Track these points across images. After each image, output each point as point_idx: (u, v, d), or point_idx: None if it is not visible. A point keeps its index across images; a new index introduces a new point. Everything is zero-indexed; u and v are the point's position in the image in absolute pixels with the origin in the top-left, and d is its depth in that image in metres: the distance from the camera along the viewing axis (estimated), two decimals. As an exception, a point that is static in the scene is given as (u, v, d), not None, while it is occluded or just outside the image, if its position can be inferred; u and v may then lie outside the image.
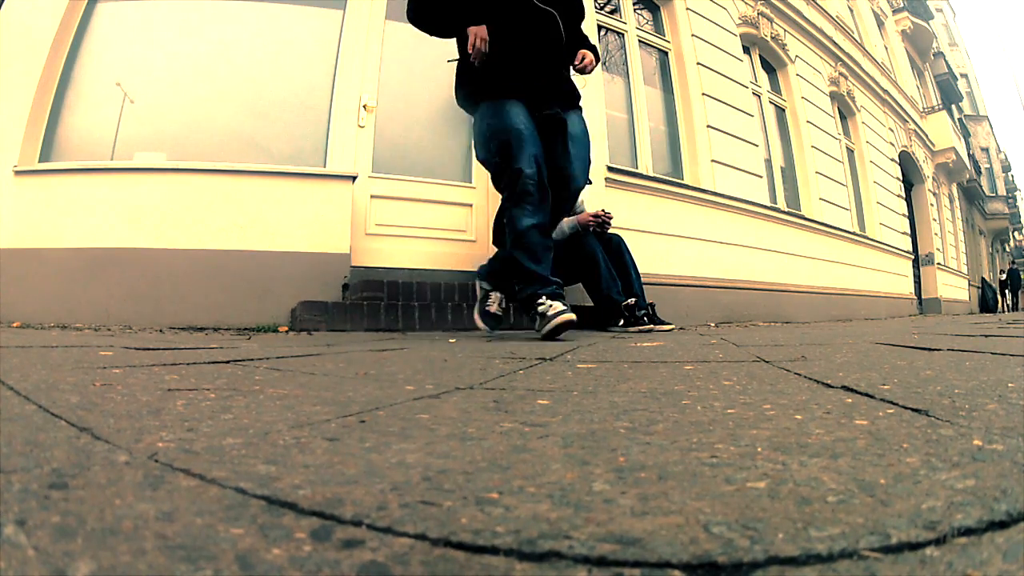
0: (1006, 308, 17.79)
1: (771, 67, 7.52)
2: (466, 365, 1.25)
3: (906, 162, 11.30)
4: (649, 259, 4.56)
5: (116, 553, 0.28)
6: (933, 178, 12.89)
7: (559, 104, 2.68)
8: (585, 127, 2.75)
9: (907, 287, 10.20)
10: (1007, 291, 18.71)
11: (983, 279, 16.92)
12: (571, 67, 2.74)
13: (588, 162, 2.73)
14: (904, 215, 10.47)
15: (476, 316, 3.04)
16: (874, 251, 8.82)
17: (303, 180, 3.71)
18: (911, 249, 10.66)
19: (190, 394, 0.78)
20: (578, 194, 2.78)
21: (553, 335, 2.25)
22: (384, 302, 3.50)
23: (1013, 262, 22.10)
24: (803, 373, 1.04)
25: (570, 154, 2.63)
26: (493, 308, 2.99)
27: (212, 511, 0.35)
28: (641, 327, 3.34)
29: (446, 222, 4.18)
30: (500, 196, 2.74)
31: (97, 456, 0.46)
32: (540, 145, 2.53)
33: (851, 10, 10.22)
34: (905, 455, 0.47)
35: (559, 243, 3.52)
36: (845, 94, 8.80)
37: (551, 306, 2.28)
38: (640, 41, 5.65)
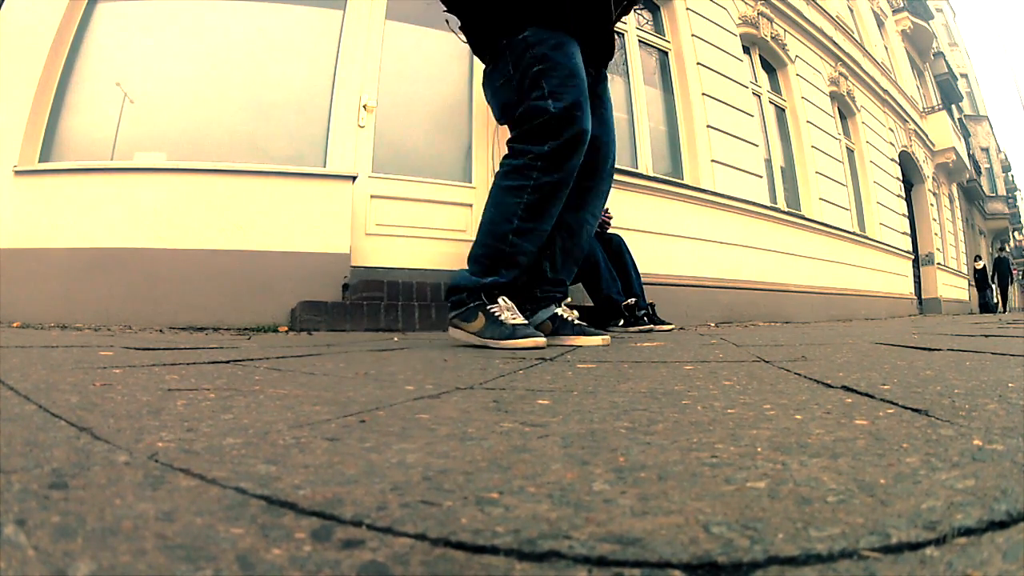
0: (981, 304, 14.58)
1: (771, 67, 7.52)
2: (466, 365, 1.25)
3: (906, 162, 11.31)
4: (649, 259, 4.56)
5: (116, 553, 0.28)
6: (933, 178, 12.89)
7: (604, 58, 2.13)
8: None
9: (907, 287, 10.20)
10: (993, 283, 15.44)
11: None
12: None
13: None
14: (904, 215, 10.47)
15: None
16: (874, 251, 8.82)
17: (303, 180, 3.71)
18: (911, 249, 10.66)
19: (190, 394, 0.78)
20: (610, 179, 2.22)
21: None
22: (384, 302, 3.50)
23: (1002, 249, 17.90)
24: (803, 373, 1.04)
25: (607, 124, 2.12)
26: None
27: (212, 511, 0.35)
28: (641, 327, 3.35)
29: (446, 222, 4.18)
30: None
31: (97, 456, 0.46)
32: None
33: (851, 10, 10.23)
34: (905, 455, 0.47)
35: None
36: (845, 94, 8.81)
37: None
38: (640, 41, 5.65)
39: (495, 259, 1.94)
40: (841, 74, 8.75)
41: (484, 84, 2.11)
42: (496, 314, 1.87)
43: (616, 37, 2.19)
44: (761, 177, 6.42)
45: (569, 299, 2.16)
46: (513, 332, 1.80)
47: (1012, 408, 0.66)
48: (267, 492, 0.38)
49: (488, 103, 2.14)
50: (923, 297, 11.53)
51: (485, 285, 1.93)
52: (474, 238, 2.02)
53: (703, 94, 5.81)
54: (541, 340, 1.79)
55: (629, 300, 3.46)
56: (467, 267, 2.00)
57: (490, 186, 2.04)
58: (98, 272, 3.37)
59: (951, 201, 14.69)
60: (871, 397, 0.76)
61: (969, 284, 14.76)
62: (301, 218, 3.62)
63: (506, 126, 2.06)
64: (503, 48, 1.94)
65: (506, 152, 1.97)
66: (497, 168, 2.04)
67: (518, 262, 1.95)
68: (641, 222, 4.87)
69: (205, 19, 4.02)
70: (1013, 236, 28.06)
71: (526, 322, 1.89)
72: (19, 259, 3.37)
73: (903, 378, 0.94)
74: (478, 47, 2.07)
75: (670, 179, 5.44)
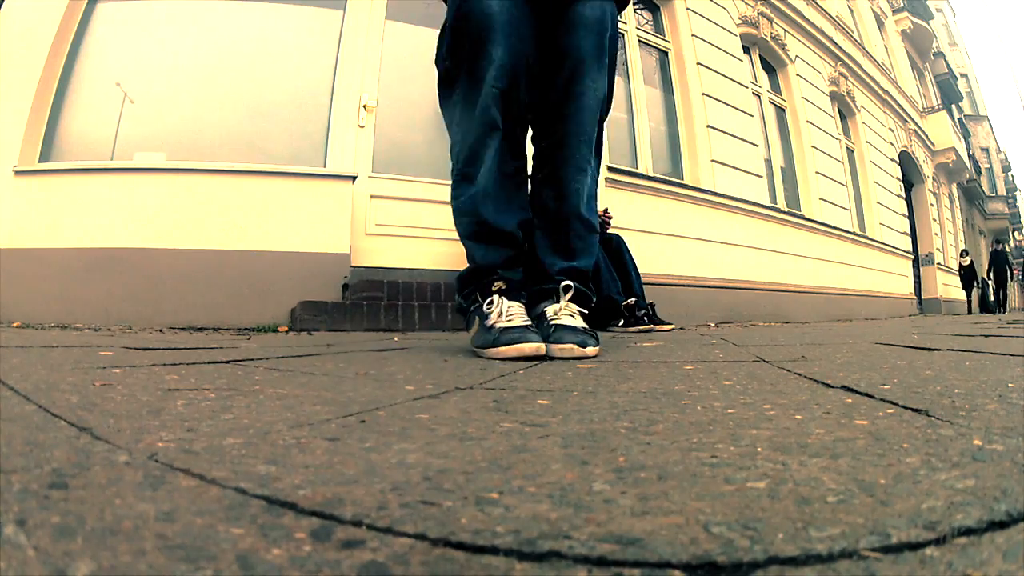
0: (970, 306, 13.08)
1: (771, 67, 7.52)
2: (466, 365, 1.25)
3: (906, 162, 11.31)
4: (649, 259, 4.56)
5: (116, 553, 0.28)
6: (933, 178, 12.89)
7: None
8: (604, 11, 1.66)
9: (907, 287, 10.21)
10: (990, 279, 14.16)
11: (983, 279, 16.07)
12: None
13: (602, 52, 1.64)
14: (904, 215, 10.48)
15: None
16: (874, 251, 8.83)
17: (303, 180, 3.71)
18: (911, 249, 10.66)
19: (190, 394, 0.78)
20: (597, 105, 1.65)
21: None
22: (384, 302, 3.50)
23: (997, 242, 16.15)
24: (803, 373, 1.04)
25: (578, 36, 1.61)
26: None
27: (212, 511, 0.35)
28: (641, 327, 3.35)
29: (446, 222, 4.14)
30: None
31: (97, 456, 0.46)
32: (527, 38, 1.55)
33: (851, 10, 10.23)
34: (905, 455, 0.47)
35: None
36: (845, 94, 8.81)
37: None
38: (640, 41, 5.65)
39: (468, 238, 1.57)
40: (841, 74, 8.75)
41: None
42: (486, 317, 1.48)
43: None
44: (761, 177, 6.42)
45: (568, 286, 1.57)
46: (496, 339, 1.39)
47: (1012, 408, 0.66)
48: (267, 492, 0.38)
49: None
50: (923, 297, 11.54)
51: (473, 274, 1.56)
52: None
53: (703, 94, 5.82)
54: (526, 347, 1.36)
55: (629, 300, 3.47)
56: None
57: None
58: (98, 272, 3.37)
59: (951, 201, 14.69)
60: (871, 397, 0.76)
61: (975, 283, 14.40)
62: (301, 218, 3.63)
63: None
64: None
65: None
66: None
67: (483, 236, 1.55)
68: (641, 222, 4.87)
69: (205, 19, 4.02)
70: (1013, 236, 28.04)
71: (524, 324, 1.45)
72: (19, 259, 3.37)
73: (903, 378, 0.94)
74: None
75: (670, 179, 5.44)
